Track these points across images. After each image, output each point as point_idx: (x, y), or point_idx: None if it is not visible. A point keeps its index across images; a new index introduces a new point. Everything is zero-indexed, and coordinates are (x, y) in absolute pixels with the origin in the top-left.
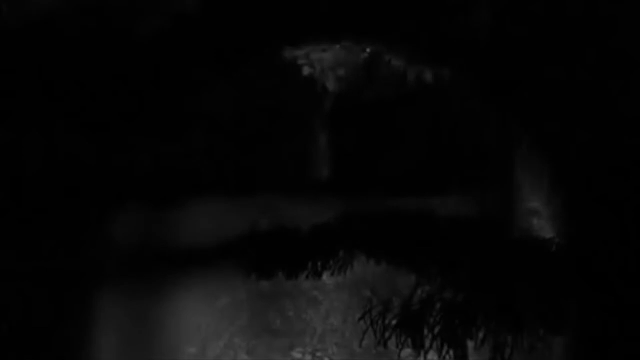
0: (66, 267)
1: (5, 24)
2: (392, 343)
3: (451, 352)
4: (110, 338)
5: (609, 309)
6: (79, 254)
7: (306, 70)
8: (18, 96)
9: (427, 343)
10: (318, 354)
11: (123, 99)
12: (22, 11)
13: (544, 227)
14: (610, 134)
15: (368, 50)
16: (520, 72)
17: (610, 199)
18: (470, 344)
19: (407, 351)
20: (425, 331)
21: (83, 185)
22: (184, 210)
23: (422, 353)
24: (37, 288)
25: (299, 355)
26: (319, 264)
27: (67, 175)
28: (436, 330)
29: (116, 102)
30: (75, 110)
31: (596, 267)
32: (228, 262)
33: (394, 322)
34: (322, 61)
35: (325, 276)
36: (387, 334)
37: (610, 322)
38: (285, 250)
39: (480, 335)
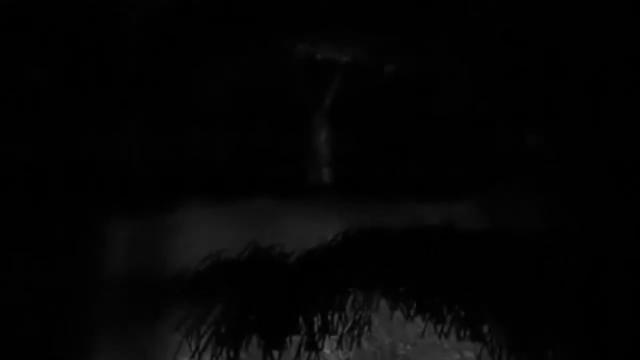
0: (56, 278)
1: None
2: None
3: None
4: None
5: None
6: (71, 263)
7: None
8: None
9: None
10: None
11: (117, 87)
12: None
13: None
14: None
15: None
16: (536, 65)
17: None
18: None
19: None
20: None
21: (77, 179)
22: (179, 214)
23: None
24: (25, 296)
25: None
26: (317, 322)
27: (57, 169)
28: None
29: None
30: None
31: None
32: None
33: None
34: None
35: (328, 349)
36: None
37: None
38: (263, 297)
39: None
